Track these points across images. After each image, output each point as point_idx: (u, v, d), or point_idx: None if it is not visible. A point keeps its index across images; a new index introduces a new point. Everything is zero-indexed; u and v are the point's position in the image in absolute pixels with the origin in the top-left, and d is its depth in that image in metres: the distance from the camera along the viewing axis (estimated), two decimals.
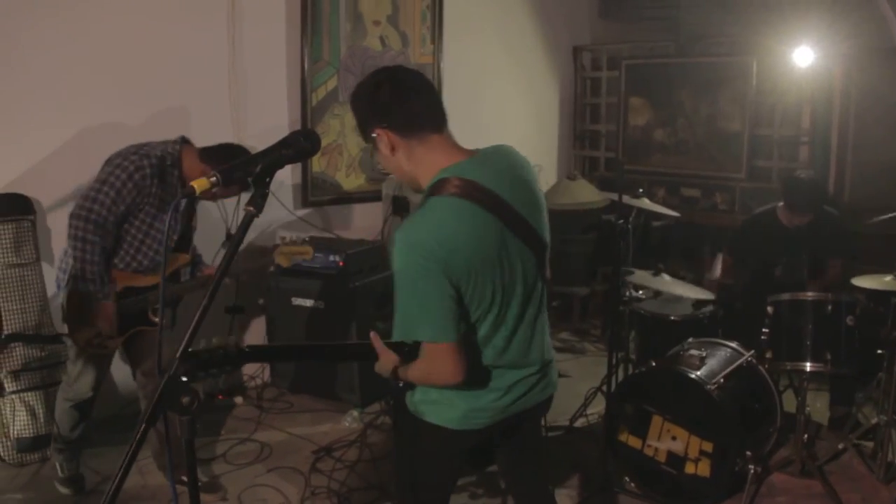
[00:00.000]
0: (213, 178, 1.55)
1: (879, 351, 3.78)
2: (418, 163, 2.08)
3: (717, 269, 4.70)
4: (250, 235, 4.80)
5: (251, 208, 1.59)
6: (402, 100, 2.05)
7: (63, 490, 3.63)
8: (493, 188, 2.01)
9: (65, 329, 3.46)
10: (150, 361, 3.59)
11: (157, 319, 3.53)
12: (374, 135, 2.07)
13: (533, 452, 2.50)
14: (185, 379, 1.68)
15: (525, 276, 2.12)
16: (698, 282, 4.61)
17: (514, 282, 2.09)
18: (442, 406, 2.17)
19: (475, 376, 2.09)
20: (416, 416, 2.22)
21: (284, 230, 5.04)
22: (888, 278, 3.88)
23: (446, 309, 1.96)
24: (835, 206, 4.77)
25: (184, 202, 3.48)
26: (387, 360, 2.11)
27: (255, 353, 2.20)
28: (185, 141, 3.46)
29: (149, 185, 3.25)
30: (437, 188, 2.00)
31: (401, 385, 2.18)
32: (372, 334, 2.11)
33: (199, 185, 1.53)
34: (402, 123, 2.05)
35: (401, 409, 2.30)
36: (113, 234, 3.28)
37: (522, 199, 2.09)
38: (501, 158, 2.13)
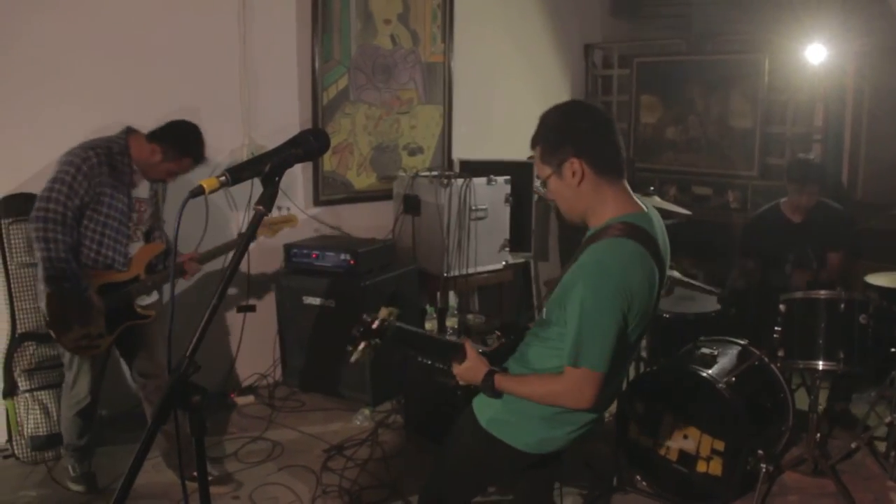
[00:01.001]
0: (223, 178, 1.56)
1: (893, 349, 3.76)
2: (599, 201, 2.15)
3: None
4: (261, 235, 4.84)
5: (260, 207, 1.60)
6: (605, 136, 2.14)
7: (75, 488, 3.65)
8: (658, 242, 2.14)
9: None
10: (144, 360, 3.61)
11: (144, 312, 3.56)
12: (564, 160, 2.11)
13: (555, 476, 2.65)
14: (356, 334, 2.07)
15: (647, 325, 2.23)
16: (710, 280, 4.59)
17: (644, 333, 2.23)
18: (517, 428, 2.28)
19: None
20: (485, 430, 2.31)
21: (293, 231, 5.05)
22: None
23: (615, 343, 2.05)
24: (844, 203, 4.75)
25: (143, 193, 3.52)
26: (480, 366, 2.26)
27: (400, 332, 2.33)
28: (130, 130, 3.50)
29: (98, 173, 3.29)
30: (615, 229, 2.09)
31: (488, 391, 2.25)
32: (466, 341, 2.27)
33: (208, 184, 1.53)
34: (601, 159, 2.12)
35: (467, 414, 2.39)
36: (74, 229, 3.29)
37: (666, 255, 2.22)
38: (658, 218, 2.23)
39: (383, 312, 2.23)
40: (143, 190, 3.54)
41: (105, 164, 3.32)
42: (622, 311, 2.03)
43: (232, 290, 4.87)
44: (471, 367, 2.28)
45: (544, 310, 2.20)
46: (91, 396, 3.55)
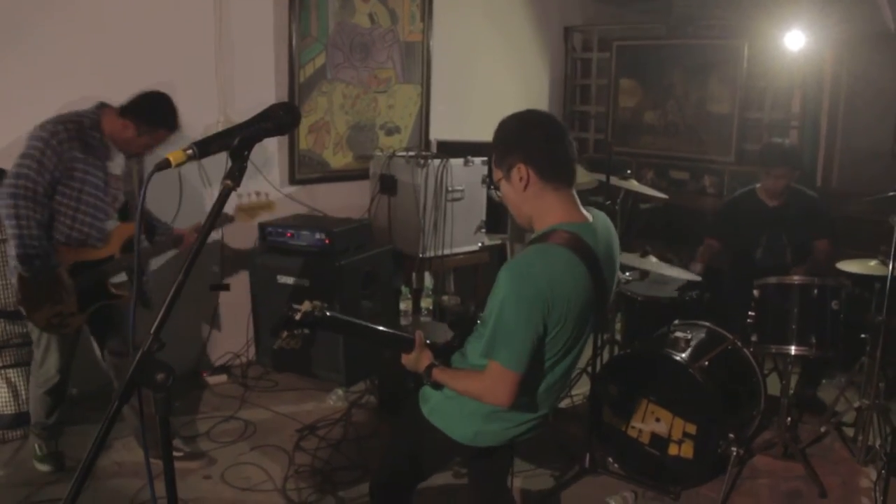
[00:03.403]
0: (190, 151, 1.52)
1: (863, 335, 3.80)
2: (543, 207, 2.21)
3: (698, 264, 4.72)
4: (236, 214, 4.80)
5: (229, 182, 1.56)
6: (553, 145, 2.20)
7: (42, 468, 3.61)
8: (596, 253, 2.17)
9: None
10: (116, 339, 3.57)
11: (117, 292, 3.51)
12: (513, 165, 2.19)
13: (504, 468, 2.67)
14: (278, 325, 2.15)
15: (587, 335, 2.30)
16: (685, 265, 4.61)
17: (579, 337, 2.25)
18: (454, 420, 2.35)
19: (514, 406, 2.23)
20: (427, 419, 2.39)
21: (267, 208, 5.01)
22: (873, 263, 3.90)
23: (531, 344, 2.10)
24: (819, 192, 4.78)
25: (116, 168, 3.46)
26: (424, 357, 2.36)
27: (330, 322, 2.34)
28: (103, 105, 3.44)
29: (68, 147, 3.22)
30: (555, 235, 2.14)
31: (427, 382, 2.37)
32: (418, 332, 2.37)
33: (174, 157, 1.49)
34: (546, 167, 2.18)
35: (412, 404, 2.48)
36: (45, 206, 3.23)
37: (609, 269, 2.25)
38: (604, 228, 2.28)
39: (306, 305, 2.28)
40: (116, 167, 3.48)
41: (75, 139, 3.25)
42: (540, 315, 2.07)
43: (205, 269, 4.82)
44: (415, 358, 2.38)
45: (486, 306, 2.24)
46: (60, 375, 3.51)
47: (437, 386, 2.34)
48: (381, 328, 2.49)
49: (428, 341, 2.41)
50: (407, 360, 2.41)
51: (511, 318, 2.08)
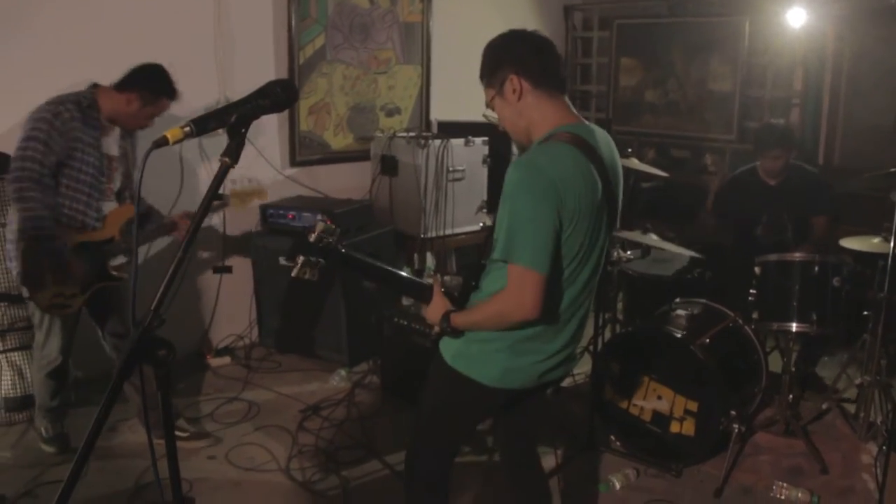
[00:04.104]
0: (188, 129, 1.52)
1: (865, 312, 3.80)
2: (540, 114, 2.20)
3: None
4: (230, 201, 4.80)
5: (226, 159, 1.56)
6: (541, 54, 2.21)
7: (48, 449, 3.64)
8: (600, 153, 2.15)
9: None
10: (116, 321, 3.57)
11: (116, 273, 3.51)
12: (504, 78, 2.19)
13: (534, 424, 2.63)
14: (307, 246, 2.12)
15: (602, 242, 2.24)
16: (686, 244, 4.60)
17: (595, 242, 2.19)
18: (480, 362, 2.25)
19: (540, 321, 2.14)
20: (451, 368, 2.29)
21: (269, 191, 5.01)
22: (876, 240, 3.89)
23: (551, 240, 2.04)
24: (821, 168, 4.77)
25: (113, 149, 3.47)
26: (440, 305, 2.28)
27: (346, 260, 2.34)
28: (96, 85, 3.44)
29: (71, 127, 3.23)
30: (557, 136, 2.12)
31: (447, 330, 2.26)
32: (434, 278, 2.32)
33: (172, 134, 1.49)
34: (538, 74, 2.19)
35: (436, 358, 2.37)
36: (51, 187, 3.23)
37: (614, 176, 2.23)
38: (604, 137, 2.25)
39: (319, 227, 2.25)
40: (112, 147, 3.48)
41: (77, 119, 3.26)
42: (554, 208, 2.02)
43: (207, 251, 4.83)
44: (434, 307, 2.30)
45: (495, 234, 2.19)
46: (62, 356, 3.52)
47: (458, 333, 2.25)
48: (397, 271, 2.43)
49: (443, 289, 2.34)
50: (426, 311, 2.33)
51: (525, 212, 2.02)
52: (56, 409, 3.66)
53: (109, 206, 3.51)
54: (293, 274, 2.25)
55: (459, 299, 2.32)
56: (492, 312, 2.16)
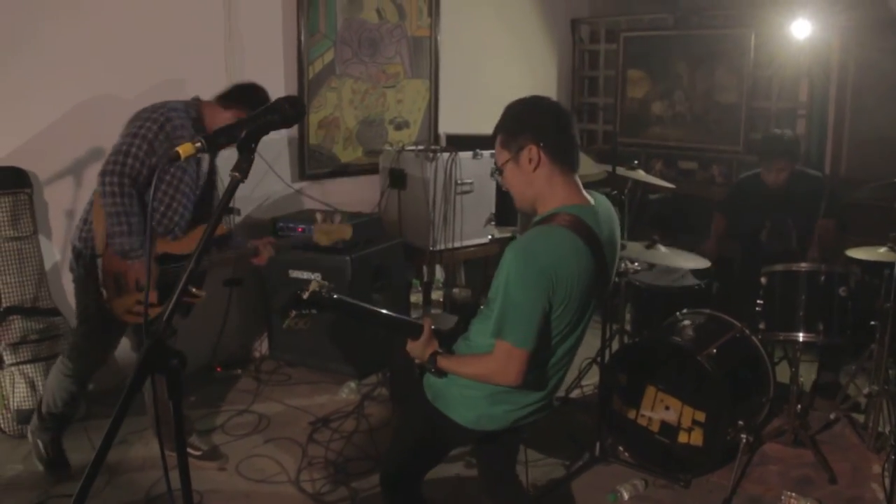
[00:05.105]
0: (199, 144, 1.56)
1: (872, 322, 3.80)
2: (550, 189, 2.26)
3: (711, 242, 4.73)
4: (248, 209, 4.85)
5: (237, 174, 1.60)
6: (564, 130, 2.27)
7: (40, 467, 3.53)
8: (599, 236, 2.23)
9: (68, 302, 3.39)
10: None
11: (197, 293, 3.41)
12: (522, 146, 2.24)
13: (510, 451, 2.69)
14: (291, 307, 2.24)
15: (590, 314, 2.35)
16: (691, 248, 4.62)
17: (582, 317, 2.30)
18: (458, 404, 2.38)
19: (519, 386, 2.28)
20: (432, 405, 2.43)
21: (280, 205, 5.06)
22: (882, 250, 3.90)
23: (538, 321, 2.15)
24: (828, 179, 4.79)
25: (205, 165, 3.43)
26: (430, 346, 2.37)
27: (337, 304, 2.39)
28: (198, 99, 3.41)
29: (179, 136, 3.16)
30: (559, 218, 2.20)
31: (430, 370, 2.38)
32: (426, 319, 2.39)
33: (184, 150, 1.53)
34: (557, 149, 2.24)
35: (418, 392, 2.52)
36: (145, 188, 3.17)
37: (611, 253, 2.31)
38: (606, 212, 2.33)
39: (313, 285, 2.34)
40: (206, 163, 3.46)
41: (185, 128, 3.21)
42: (546, 293, 2.12)
43: (218, 265, 4.85)
44: (421, 345, 2.39)
45: (491, 287, 2.28)
46: (98, 366, 3.47)
47: (441, 374, 2.36)
48: (387, 312, 2.51)
49: (433, 326, 2.43)
50: (413, 347, 2.42)
51: (518, 295, 2.12)
52: (58, 419, 3.53)
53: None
54: (284, 326, 2.34)
55: (447, 339, 2.46)
56: (477, 372, 2.30)
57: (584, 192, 2.31)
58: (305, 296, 2.30)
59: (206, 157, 3.46)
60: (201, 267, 3.43)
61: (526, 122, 2.26)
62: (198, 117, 3.32)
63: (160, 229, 3.32)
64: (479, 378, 2.29)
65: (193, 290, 3.38)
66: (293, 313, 2.31)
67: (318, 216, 3.95)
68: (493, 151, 2.28)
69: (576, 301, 2.19)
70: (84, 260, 3.27)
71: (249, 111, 3.28)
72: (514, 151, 2.25)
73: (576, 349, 2.39)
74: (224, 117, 3.31)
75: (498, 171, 2.35)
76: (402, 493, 2.63)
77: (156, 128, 3.14)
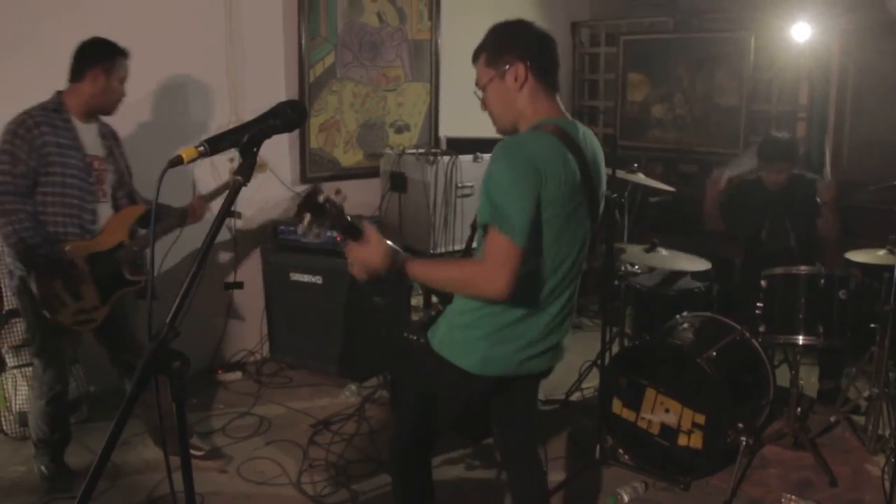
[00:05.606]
0: (202, 148, 1.56)
1: (872, 325, 3.81)
2: (533, 106, 2.25)
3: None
4: (249, 211, 4.86)
5: (239, 178, 1.61)
6: (549, 50, 2.29)
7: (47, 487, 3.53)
8: (582, 148, 2.21)
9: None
10: (125, 341, 3.54)
11: (135, 277, 3.48)
12: (508, 65, 2.24)
13: (527, 414, 2.63)
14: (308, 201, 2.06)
15: (583, 236, 2.27)
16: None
17: (576, 231, 2.23)
18: (462, 348, 2.29)
19: (513, 305, 2.20)
20: (436, 353, 2.35)
21: (280, 208, 5.07)
22: (882, 252, 3.91)
23: (530, 213, 2.06)
24: (822, 176, 4.79)
25: (90, 148, 3.39)
26: (381, 251, 2.21)
27: (346, 224, 2.24)
28: (59, 91, 3.37)
29: (37, 133, 3.18)
30: (543, 126, 2.19)
31: (391, 275, 2.22)
32: (366, 224, 2.25)
33: (186, 153, 1.54)
34: (543, 67, 2.26)
35: (423, 346, 2.42)
36: (30, 197, 3.19)
37: (596, 173, 2.28)
38: (589, 135, 2.32)
39: (328, 191, 2.18)
40: (95, 147, 3.41)
41: (43, 124, 3.20)
42: (535, 185, 2.06)
43: (219, 267, 4.88)
44: (370, 249, 2.22)
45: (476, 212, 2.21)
46: (63, 382, 3.46)
47: (404, 276, 2.23)
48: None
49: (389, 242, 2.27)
50: (356, 251, 2.23)
51: (507, 185, 2.06)
52: (56, 444, 3.55)
53: (104, 209, 3.45)
54: (299, 231, 2.15)
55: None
56: (459, 275, 2.19)
57: (566, 112, 2.31)
58: (320, 199, 2.13)
59: (95, 139, 3.42)
60: (137, 250, 3.48)
61: (513, 40, 2.26)
62: (58, 106, 3.30)
63: (76, 231, 3.31)
64: (457, 284, 2.18)
65: (129, 276, 3.45)
66: (307, 217, 2.12)
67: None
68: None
69: (565, 205, 2.13)
70: (23, 284, 3.29)
71: (97, 66, 3.27)
72: (500, 70, 2.25)
73: (574, 275, 2.30)
74: (84, 88, 3.33)
75: (480, 89, 2.34)
76: (416, 465, 2.54)
77: (10, 137, 3.17)
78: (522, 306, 2.21)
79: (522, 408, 2.61)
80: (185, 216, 3.65)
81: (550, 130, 2.16)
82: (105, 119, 3.48)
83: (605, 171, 2.39)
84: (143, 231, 3.58)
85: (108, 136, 3.52)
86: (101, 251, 3.38)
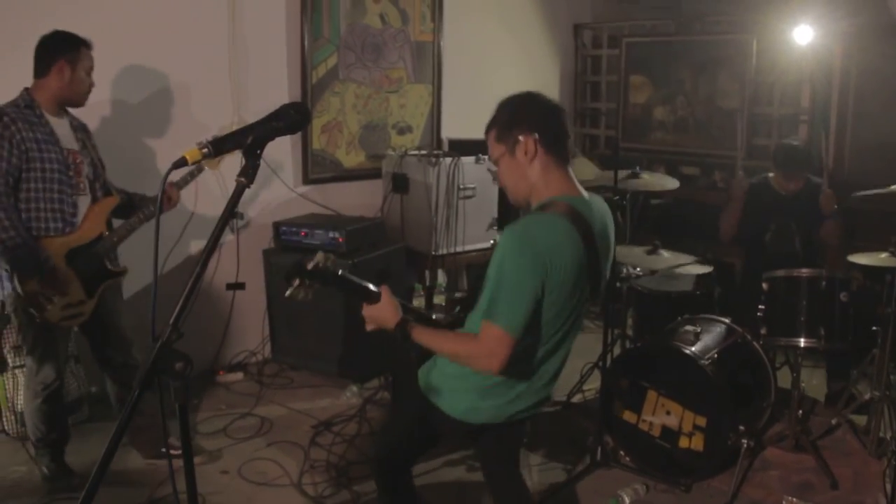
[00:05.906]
0: (205, 149, 1.57)
1: (874, 327, 3.81)
2: (545, 180, 2.27)
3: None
4: (251, 212, 4.87)
5: (243, 179, 1.61)
6: (557, 121, 2.30)
7: (49, 486, 3.53)
8: (592, 226, 2.23)
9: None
10: (112, 342, 3.56)
11: (116, 268, 3.50)
12: (520, 138, 2.25)
13: (512, 452, 2.67)
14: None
15: (580, 309, 2.33)
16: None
17: (573, 311, 2.28)
18: (448, 396, 2.39)
19: (504, 377, 2.28)
20: (424, 395, 2.45)
21: (283, 209, 5.07)
22: (884, 255, 3.91)
23: (529, 308, 2.12)
24: (829, 185, 4.78)
25: (68, 141, 3.39)
26: (392, 312, 2.34)
27: (340, 281, 2.38)
28: (26, 88, 3.36)
29: (15, 130, 3.17)
30: (553, 206, 2.21)
31: (399, 337, 2.32)
32: (384, 287, 2.35)
33: (190, 154, 1.54)
34: (552, 140, 2.26)
35: (414, 381, 2.52)
36: (10, 196, 3.18)
37: (603, 247, 2.31)
38: (600, 208, 2.34)
39: (319, 256, 2.31)
40: (69, 141, 3.40)
41: (18, 121, 3.20)
42: (540, 278, 2.11)
43: (221, 268, 4.88)
44: (382, 310, 2.37)
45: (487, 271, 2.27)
46: (59, 378, 3.44)
47: (408, 338, 2.31)
48: (357, 279, 2.41)
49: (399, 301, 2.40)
50: (369, 311, 2.38)
51: (512, 278, 2.11)
52: (56, 442, 3.53)
53: (83, 202, 3.43)
54: (287, 294, 2.31)
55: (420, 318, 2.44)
56: (456, 350, 2.26)
57: (579, 186, 2.32)
58: (310, 266, 2.27)
59: (68, 133, 3.41)
60: (116, 240, 3.49)
61: (521, 115, 2.28)
62: (29, 103, 3.28)
63: (58, 224, 3.31)
64: (457, 356, 2.26)
65: (111, 268, 3.47)
66: (296, 282, 2.27)
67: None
68: None
69: (568, 290, 2.18)
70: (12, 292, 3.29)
71: (62, 58, 3.27)
72: (510, 144, 2.27)
73: (568, 345, 2.37)
74: (51, 82, 3.32)
75: (493, 163, 2.37)
76: (392, 476, 2.65)
77: None
78: (514, 370, 2.25)
79: (505, 448, 2.63)
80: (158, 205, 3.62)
81: (562, 212, 2.18)
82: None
83: (613, 241, 2.43)
84: (120, 222, 3.57)
85: (80, 129, 3.51)
86: (82, 245, 3.38)
